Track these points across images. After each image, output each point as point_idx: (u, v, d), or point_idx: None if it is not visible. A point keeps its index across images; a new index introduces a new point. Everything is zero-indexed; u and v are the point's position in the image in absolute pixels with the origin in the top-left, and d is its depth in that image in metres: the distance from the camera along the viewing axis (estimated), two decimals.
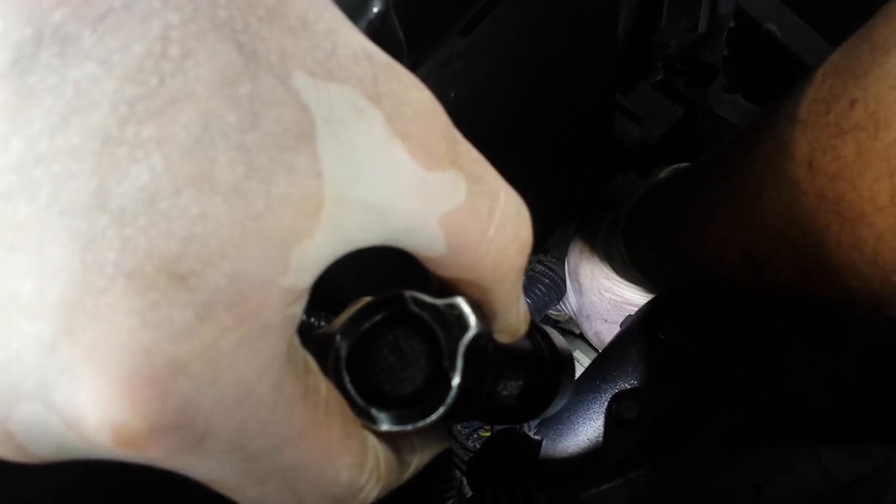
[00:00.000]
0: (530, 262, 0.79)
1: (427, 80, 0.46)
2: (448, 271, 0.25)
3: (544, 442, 0.62)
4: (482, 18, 0.48)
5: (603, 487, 0.46)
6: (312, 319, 0.42)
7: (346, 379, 0.25)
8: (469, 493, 0.59)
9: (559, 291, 0.79)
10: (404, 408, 0.25)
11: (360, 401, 0.25)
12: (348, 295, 0.34)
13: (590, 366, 0.66)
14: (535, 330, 0.42)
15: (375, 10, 0.40)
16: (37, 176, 0.18)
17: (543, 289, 0.78)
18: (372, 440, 0.25)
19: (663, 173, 0.74)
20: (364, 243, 0.22)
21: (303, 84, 0.20)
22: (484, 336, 0.26)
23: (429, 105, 0.22)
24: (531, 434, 0.63)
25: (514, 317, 0.28)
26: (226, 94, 0.19)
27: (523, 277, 0.81)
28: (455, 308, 0.25)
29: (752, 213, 0.48)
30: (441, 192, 0.22)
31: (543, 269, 0.79)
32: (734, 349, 0.55)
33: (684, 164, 0.75)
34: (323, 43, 0.21)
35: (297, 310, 0.21)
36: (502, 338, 0.29)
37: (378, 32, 0.41)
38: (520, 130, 0.59)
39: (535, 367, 0.40)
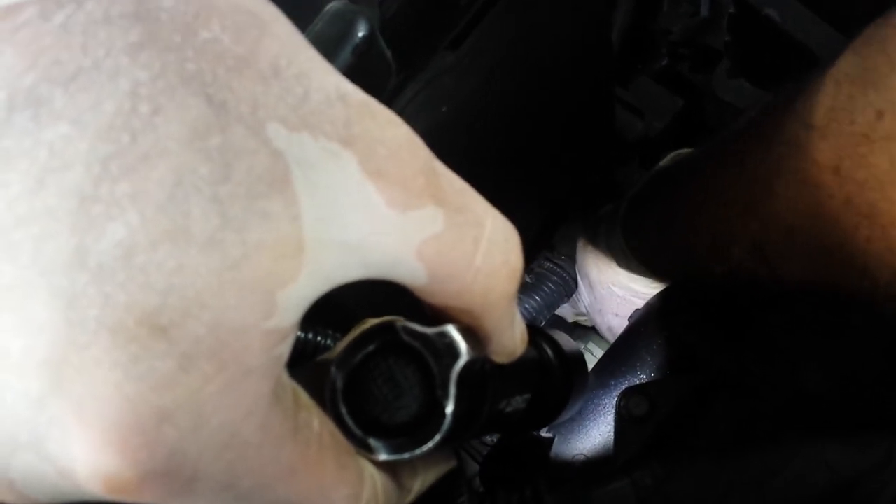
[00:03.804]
0: (538, 259, 0.79)
1: (417, 96, 0.47)
2: (437, 299, 0.25)
3: (556, 439, 0.62)
4: (470, 31, 0.48)
5: (609, 487, 0.47)
6: (319, 339, 0.43)
7: (343, 410, 0.26)
8: (480, 489, 0.60)
9: (568, 289, 0.79)
10: (401, 437, 0.26)
11: (357, 431, 0.26)
12: (357, 312, 0.35)
13: (599, 362, 0.66)
14: (541, 338, 0.41)
15: (361, 34, 0.41)
16: (17, 238, 0.19)
17: (552, 286, 0.78)
18: (369, 469, 0.25)
19: (664, 160, 0.74)
20: (345, 280, 0.22)
21: (275, 132, 0.20)
22: (477, 362, 0.26)
23: (405, 141, 0.23)
24: (543, 432, 0.63)
25: (510, 339, 0.28)
26: (197, 148, 0.19)
27: (530, 279, 0.81)
28: (445, 336, 0.25)
29: (765, 206, 0.48)
30: (420, 227, 0.22)
31: (552, 266, 0.79)
32: (738, 343, 0.55)
33: (686, 151, 0.74)
34: (295, 89, 0.21)
35: (283, 349, 0.22)
36: (499, 359, 0.29)
37: (365, 55, 0.41)
38: (516, 136, 0.59)
39: (542, 378, 0.39)
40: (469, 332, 0.26)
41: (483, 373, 0.28)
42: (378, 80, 0.44)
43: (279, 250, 0.20)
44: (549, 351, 0.41)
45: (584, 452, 0.62)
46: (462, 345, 0.25)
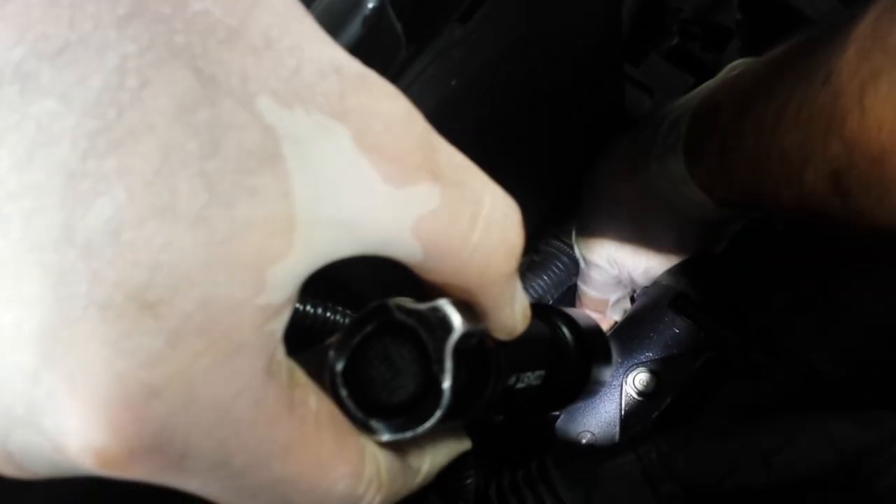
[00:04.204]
0: (546, 238, 0.79)
1: (426, 69, 0.47)
2: (433, 276, 0.25)
3: (562, 416, 0.63)
4: (480, 5, 0.48)
5: (615, 462, 0.47)
6: (328, 314, 0.43)
7: (343, 393, 0.26)
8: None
9: (577, 268, 0.79)
10: (401, 416, 0.25)
11: (358, 414, 0.25)
12: (374, 289, 0.35)
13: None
14: (555, 314, 0.41)
15: (370, 5, 0.41)
16: (8, 212, 0.19)
17: (561, 266, 0.78)
18: (371, 448, 0.25)
19: (723, 72, 0.65)
20: (339, 256, 0.22)
21: (265, 105, 0.20)
22: (475, 335, 0.26)
23: (401, 115, 0.22)
24: None
25: (509, 317, 0.28)
26: (184, 122, 0.19)
27: (538, 258, 0.78)
28: (438, 311, 0.25)
29: (852, 124, 0.42)
30: (415, 204, 0.22)
31: (561, 244, 0.79)
32: (745, 323, 0.55)
33: (748, 61, 0.65)
34: (287, 61, 0.21)
35: (276, 325, 0.21)
36: (499, 336, 0.29)
37: (374, 28, 0.41)
38: (524, 113, 0.59)
39: (556, 355, 0.39)
40: (467, 306, 0.26)
41: (483, 346, 0.28)
42: (387, 52, 0.43)
43: (269, 227, 0.20)
44: (563, 327, 0.40)
45: (591, 429, 0.62)
46: (455, 318, 0.25)
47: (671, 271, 0.66)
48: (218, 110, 0.19)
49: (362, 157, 0.21)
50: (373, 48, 0.41)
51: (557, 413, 0.63)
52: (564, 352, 0.40)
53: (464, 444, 0.32)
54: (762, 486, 0.44)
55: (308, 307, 0.36)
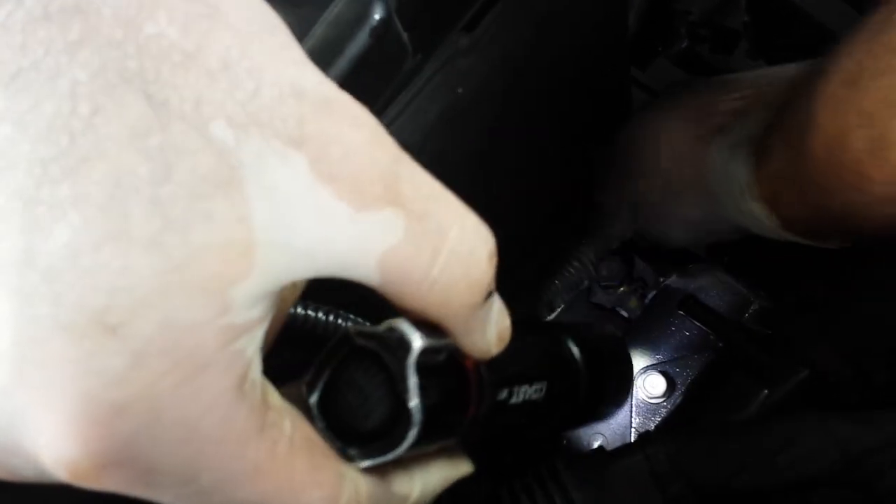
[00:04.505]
0: (554, 242, 0.79)
1: (433, 78, 0.48)
2: (393, 301, 0.24)
3: None
4: (486, 13, 0.49)
5: (624, 462, 0.48)
6: (339, 321, 0.42)
7: (321, 426, 0.26)
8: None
9: (587, 272, 0.79)
10: (376, 441, 0.25)
11: (336, 443, 0.25)
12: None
13: None
14: (558, 329, 0.40)
15: (377, 17, 0.41)
16: None
17: (572, 269, 0.78)
18: (351, 473, 0.25)
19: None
20: (300, 278, 0.22)
21: (220, 130, 0.20)
22: (441, 350, 0.26)
23: (364, 143, 0.22)
24: None
25: (479, 340, 0.27)
26: (136, 148, 0.19)
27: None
28: (395, 330, 0.25)
29: None
30: (373, 234, 0.22)
31: (570, 247, 0.79)
32: (754, 324, 0.56)
33: None
34: (244, 84, 0.20)
35: (245, 344, 0.21)
36: (475, 356, 0.28)
37: (381, 38, 0.42)
38: (531, 119, 0.59)
39: (556, 365, 0.38)
40: (429, 325, 0.26)
41: (455, 361, 0.27)
42: (394, 62, 0.44)
43: (226, 251, 0.20)
44: (567, 339, 0.39)
45: (602, 432, 0.63)
46: (414, 335, 0.25)
47: (680, 273, 0.66)
48: (170, 135, 0.19)
49: (319, 185, 0.21)
50: (380, 58, 0.41)
51: None
52: (567, 362, 0.38)
53: (462, 468, 0.31)
54: (768, 486, 0.44)
55: (320, 314, 0.36)
